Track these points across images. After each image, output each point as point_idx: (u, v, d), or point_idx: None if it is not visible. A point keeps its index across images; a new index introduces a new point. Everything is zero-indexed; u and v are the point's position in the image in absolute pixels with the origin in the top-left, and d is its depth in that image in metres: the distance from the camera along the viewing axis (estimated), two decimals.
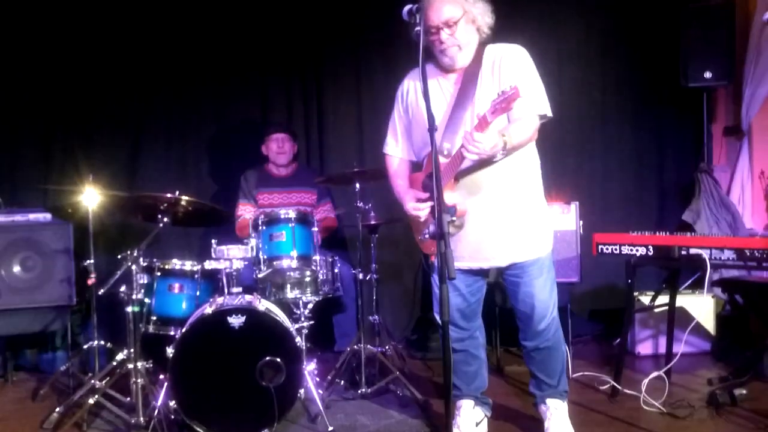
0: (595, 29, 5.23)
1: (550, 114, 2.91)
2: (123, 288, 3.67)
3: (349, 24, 5.16)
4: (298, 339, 3.51)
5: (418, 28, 2.45)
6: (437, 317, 3.04)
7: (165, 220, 3.75)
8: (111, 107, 5.01)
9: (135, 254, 3.60)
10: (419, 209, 2.93)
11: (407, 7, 2.52)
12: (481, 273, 3.10)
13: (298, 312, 3.91)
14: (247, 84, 5.18)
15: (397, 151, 3.17)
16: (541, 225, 3.04)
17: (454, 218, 2.48)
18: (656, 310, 4.25)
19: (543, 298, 3.02)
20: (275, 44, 5.14)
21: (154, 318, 3.80)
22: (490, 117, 2.53)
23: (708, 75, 4.90)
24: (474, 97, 2.84)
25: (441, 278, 2.12)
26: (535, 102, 2.85)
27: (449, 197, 2.74)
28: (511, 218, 2.94)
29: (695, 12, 4.93)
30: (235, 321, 3.38)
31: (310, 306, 3.96)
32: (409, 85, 3.06)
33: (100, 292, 3.66)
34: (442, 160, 2.76)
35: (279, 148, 4.68)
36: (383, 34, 4.95)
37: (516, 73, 2.83)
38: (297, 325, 3.80)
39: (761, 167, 5.06)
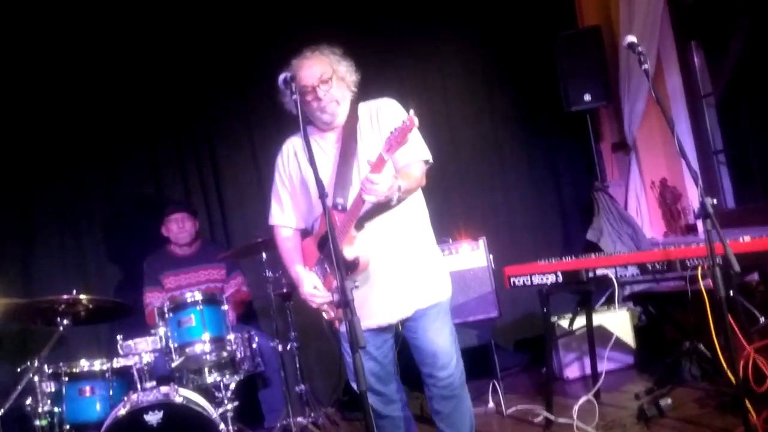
0: (478, 64, 5.38)
1: (431, 159, 2.92)
2: (29, 401, 3.46)
3: (238, 90, 5.11)
4: (222, 427, 3.37)
5: (295, 96, 2.48)
6: (354, 386, 2.89)
7: (65, 322, 3.57)
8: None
9: (36, 364, 3.40)
10: (316, 297, 2.86)
11: (283, 76, 2.56)
12: (389, 330, 2.97)
13: (221, 395, 3.77)
14: (139, 159, 5.01)
15: (284, 220, 3.06)
16: (438, 269, 2.99)
17: (356, 284, 2.39)
18: (576, 333, 4.32)
19: (443, 342, 2.90)
20: (163, 114, 5.01)
21: (68, 427, 3.57)
22: (386, 155, 2.52)
23: (587, 97, 5.11)
24: (357, 150, 2.85)
25: (352, 348, 2.07)
26: (417, 149, 2.86)
27: (349, 251, 2.70)
28: (412, 265, 2.88)
29: (566, 39, 5.16)
30: (153, 418, 3.24)
31: (232, 386, 3.83)
32: (289, 151, 3.02)
33: (0, 412, 3.41)
34: (337, 216, 2.74)
35: (179, 228, 4.54)
36: (273, 95, 4.90)
37: (394, 122, 2.76)
38: (221, 410, 3.66)
39: (651, 177, 5.27)
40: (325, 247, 2.75)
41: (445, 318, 2.95)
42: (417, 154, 2.86)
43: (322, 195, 2.37)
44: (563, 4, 5.46)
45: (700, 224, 3.91)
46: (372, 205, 2.71)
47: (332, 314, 2.88)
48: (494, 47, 5.40)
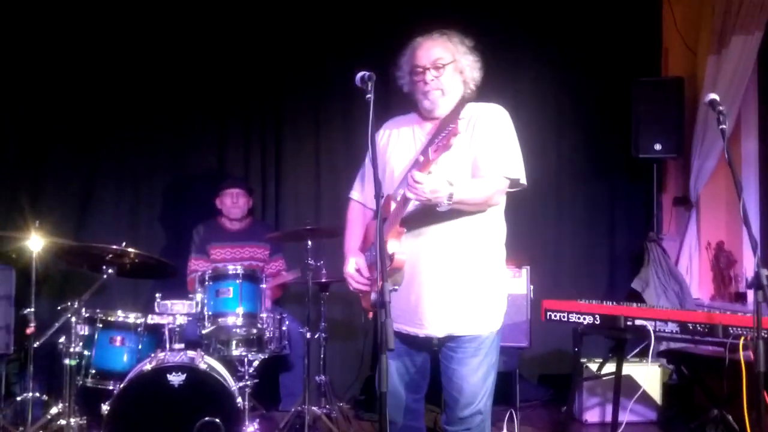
0: (551, 98, 5.35)
1: (522, 180, 2.71)
2: (62, 339, 3.58)
3: (312, 78, 5.20)
4: (239, 400, 3.43)
5: (369, 96, 2.39)
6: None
7: (110, 271, 3.68)
8: (61, 152, 4.96)
9: (75, 306, 3.52)
10: (354, 280, 2.74)
11: (360, 74, 2.45)
12: (420, 342, 2.74)
13: (243, 370, 3.83)
14: (205, 133, 5.17)
15: (361, 196, 2.93)
16: (489, 299, 2.71)
17: (395, 287, 2.34)
18: (603, 378, 4.26)
19: (474, 381, 2.67)
20: (236, 94, 5.16)
21: (93, 371, 3.69)
22: (432, 154, 2.36)
23: (658, 147, 5.03)
24: None
25: (380, 348, 2.09)
26: (502, 163, 2.64)
27: (392, 245, 2.55)
28: (455, 283, 2.64)
29: (646, 86, 5.10)
30: (175, 379, 3.31)
31: (256, 364, 3.88)
32: (385, 133, 2.88)
33: (36, 344, 3.54)
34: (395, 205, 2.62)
35: (233, 203, 4.64)
36: (345, 91, 4.98)
37: (489, 131, 2.67)
38: (240, 384, 3.72)
39: (708, 238, 5.17)
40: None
41: (486, 357, 2.69)
42: (499, 168, 2.64)
43: (377, 195, 2.32)
44: (649, 50, 5.38)
45: (750, 294, 3.83)
46: (418, 206, 2.56)
47: (366, 303, 2.77)
48: (572, 81, 5.36)
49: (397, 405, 2.80)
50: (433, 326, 2.65)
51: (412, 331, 2.70)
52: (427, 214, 2.59)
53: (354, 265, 2.75)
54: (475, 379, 2.67)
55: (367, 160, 2.88)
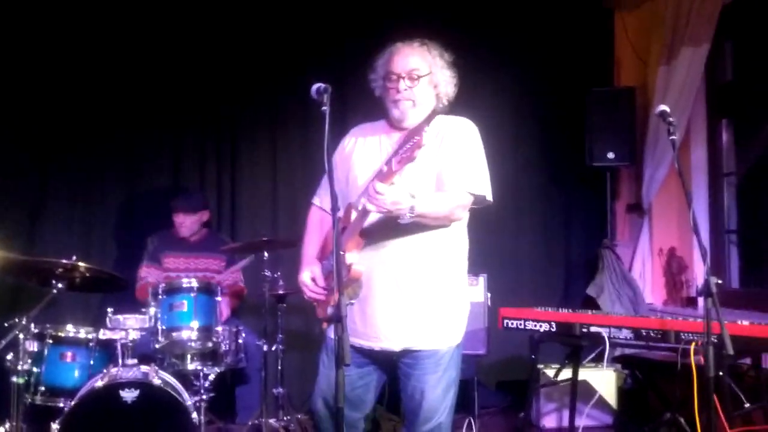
0: (507, 108, 5.37)
1: (488, 197, 2.70)
2: (10, 356, 3.47)
3: (267, 90, 5.15)
4: (194, 415, 3.37)
5: (324, 108, 2.33)
6: (317, 399, 2.72)
7: (60, 285, 3.59)
8: (9, 164, 4.80)
9: (24, 322, 3.42)
10: (308, 289, 2.69)
11: (315, 86, 2.40)
12: (377, 357, 2.68)
13: (198, 384, 3.77)
14: (159, 145, 5.06)
15: (323, 203, 2.84)
16: (448, 314, 2.66)
17: (352, 301, 2.29)
18: (560, 384, 4.30)
19: (433, 397, 2.62)
20: (190, 105, 5.06)
21: (43, 389, 3.58)
22: (395, 165, 2.32)
23: (611, 155, 5.12)
24: None
25: (337, 363, 2.07)
26: (467, 179, 2.60)
27: (351, 256, 2.51)
28: (413, 297, 2.59)
29: (599, 95, 5.18)
30: (128, 395, 3.24)
31: (212, 377, 3.83)
32: (351, 141, 2.82)
33: None
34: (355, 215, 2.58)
35: (179, 224, 4.56)
36: (302, 104, 4.94)
37: (456, 145, 2.63)
38: (196, 398, 3.66)
39: (660, 244, 5.27)
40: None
41: (445, 372, 2.64)
42: (464, 183, 2.59)
43: (334, 208, 2.27)
44: (602, 61, 5.49)
45: (701, 300, 3.91)
46: (380, 217, 2.49)
47: (321, 313, 2.72)
48: (527, 92, 5.42)
49: (335, 421, 2.60)
50: (389, 340, 2.58)
51: (367, 345, 2.63)
52: (388, 226, 2.53)
53: (309, 274, 2.69)
54: (435, 395, 2.62)
55: (331, 171, 2.73)
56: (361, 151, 2.76)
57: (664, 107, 3.00)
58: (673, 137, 2.94)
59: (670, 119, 2.95)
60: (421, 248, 2.59)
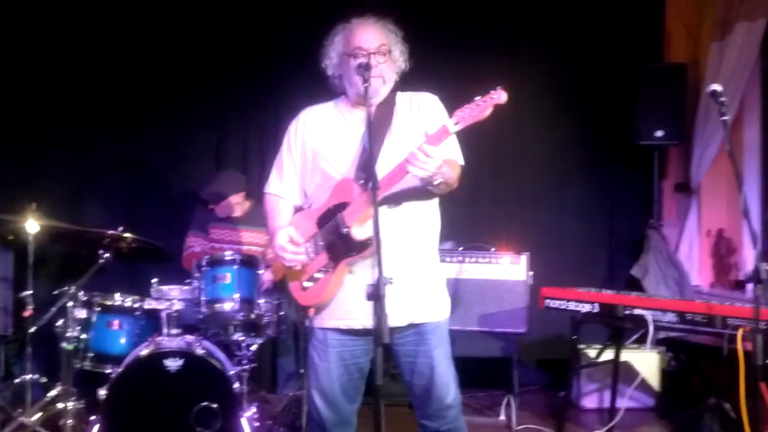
0: (553, 83, 5.29)
1: (463, 164, 2.67)
2: (59, 323, 3.58)
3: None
4: (236, 385, 3.43)
5: (366, 84, 2.38)
6: (314, 394, 2.63)
7: (107, 255, 3.67)
8: (56, 133, 4.91)
9: (72, 290, 3.51)
10: (287, 251, 2.57)
11: (358, 61, 2.48)
12: (369, 336, 2.36)
13: (241, 354, 3.83)
14: (203, 114, 5.11)
15: (280, 190, 2.78)
16: (442, 285, 2.72)
17: (391, 280, 2.12)
18: (601, 364, 4.26)
19: (443, 371, 2.61)
20: (235, 74, 5.10)
21: (91, 354, 3.68)
22: (452, 127, 2.28)
23: (659, 134, 5.00)
24: (390, 130, 2.59)
25: (375, 342, 2.07)
26: (456, 150, 2.63)
27: (361, 231, 2.46)
28: (418, 271, 2.59)
29: (649, 72, 5.05)
30: (172, 364, 3.31)
31: (254, 348, 3.89)
32: (308, 120, 2.75)
33: (32, 329, 3.54)
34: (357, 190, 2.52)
35: (234, 204, 4.55)
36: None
37: (439, 117, 2.59)
38: (238, 368, 3.72)
39: (708, 226, 5.15)
40: (327, 224, 2.56)
41: (447, 343, 2.67)
42: (455, 154, 2.61)
43: (374, 185, 2.24)
44: (652, 36, 5.34)
45: (750, 284, 3.82)
46: (406, 186, 2.47)
47: (301, 297, 2.63)
48: (573, 66, 5.30)
49: (336, 416, 2.64)
50: (393, 315, 2.25)
51: (360, 325, 2.52)
52: (408, 196, 2.54)
53: (285, 236, 2.59)
54: (444, 368, 2.62)
55: (284, 150, 2.79)
56: (326, 132, 2.70)
57: (715, 86, 2.89)
58: (725, 117, 2.84)
59: (722, 99, 2.86)
60: (417, 220, 2.61)
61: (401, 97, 2.69)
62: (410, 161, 2.33)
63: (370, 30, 2.61)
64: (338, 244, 2.54)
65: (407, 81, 2.74)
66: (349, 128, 2.66)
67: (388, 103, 2.64)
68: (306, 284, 2.62)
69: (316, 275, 2.59)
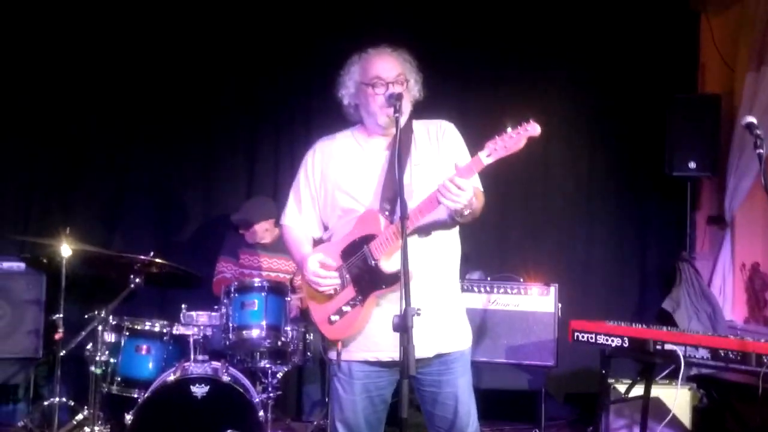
0: (585, 112, 5.28)
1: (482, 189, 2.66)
2: (89, 346, 3.62)
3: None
4: (261, 413, 3.43)
5: (397, 114, 2.40)
6: (338, 426, 2.61)
7: (137, 280, 3.72)
8: (92, 159, 4.99)
9: (103, 314, 3.56)
10: (320, 277, 2.53)
11: (389, 92, 2.50)
12: (395, 369, 2.36)
13: (267, 381, 3.84)
14: (235, 143, 5.18)
15: (299, 221, 2.76)
16: (464, 313, 2.72)
17: (419, 310, 2.12)
18: (631, 400, 4.18)
19: (466, 400, 2.61)
20: (267, 106, 5.16)
21: (119, 379, 3.74)
22: (485, 159, 2.28)
23: (692, 165, 4.93)
24: (410, 160, 2.57)
25: (402, 374, 2.06)
26: (477, 179, 2.58)
27: (390, 264, 2.44)
28: (443, 301, 2.60)
29: (682, 103, 5.00)
30: (198, 390, 3.33)
31: (279, 375, 3.89)
32: (325, 150, 2.74)
33: (62, 353, 3.59)
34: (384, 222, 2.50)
35: (264, 231, 4.59)
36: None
37: (459, 146, 2.64)
38: (264, 395, 3.73)
39: (743, 259, 5.05)
40: (353, 257, 2.53)
41: (469, 373, 2.67)
42: (477, 183, 2.58)
43: (403, 216, 2.23)
44: (686, 66, 5.30)
45: None
46: (434, 219, 2.47)
47: (330, 332, 2.59)
48: (606, 96, 5.29)
49: None
50: (421, 346, 2.27)
51: (388, 357, 2.48)
52: (436, 228, 2.54)
53: (316, 262, 2.55)
54: (466, 398, 2.62)
55: (301, 181, 2.76)
56: (345, 162, 2.67)
57: (751, 119, 2.86)
58: (760, 150, 2.80)
59: (758, 132, 2.82)
60: (442, 249, 2.61)
61: (417, 125, 2.69)
62: (442, 193, 2.33)
63: (387, 59, 2.62)
64: (365, 278, 2.51)
65: (437, 111, 2.75)
66: (369, 158, 2.65)
67: (406, 133, 2.62)
68: (333, 317, 2.58)
69: (344, 308, 2.55)
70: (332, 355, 2.60)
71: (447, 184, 2.31)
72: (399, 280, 2.28)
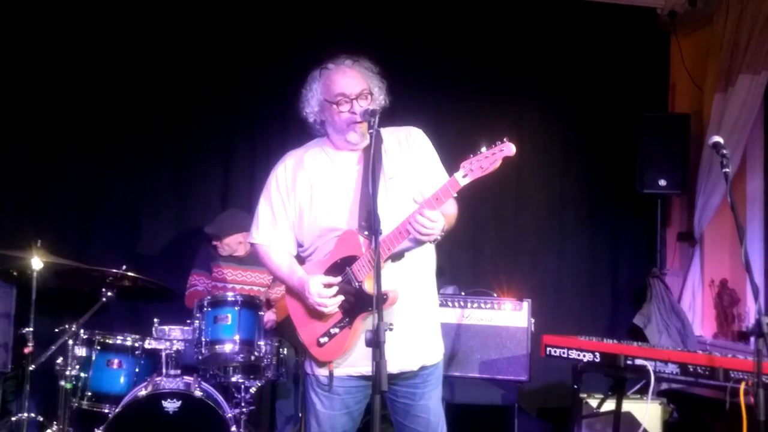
0: (557, 130, 5.36)
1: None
2: (59, 361, 3.58)
3: None
4: (234, 428, 3.41)
5: (371, 131, 2.38)
6: None
7: (109, 293, 3.69)
8: (64, 170, 4.91)
9: (74, 328, 3.52)
10: (326, 298, 2.47)
11: (363, 108, 2.48)
12: (368, 382, 2.39)
13: (239, 396, 3.81)
14: (209, 155, 5.13)
15: (273, 238, 2.66)
16: (438, 327, 2.70)
17: (391, 325, 2.12)
18: (603, 415, 4.21)
19: (437, 411, 2.62)
20: (241, 119, 5.15)
21: (89, 393, 3.69)
22: (461, 180, 2.26)
23: (662, 182, 5.03)
24: (383, 174, 2.52)
25: (373, 389, 2.07)
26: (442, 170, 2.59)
27: (369, 286, 2.39)
28: (424, 315, 2.60)
29: (652, 122, 5.11)
30: (170, 405, 3.31)
31: (252, 390, 3.87)
32: (297, 165, 2.66)
33: (32, 367, 3.53)
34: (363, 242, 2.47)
35: (237, 244, 4.57)
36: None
37: (428, 154, 2.61)
38: (236, 410, 3.70)
39: (712, 276, 5.14)
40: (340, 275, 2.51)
41: (440, 385, 2.68)
42: (453, 204, 2.54)
43: (375, 229, 2.25)
44: (657, 86, 5.42)
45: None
46: (406, 246, 2.44)
47: (320, 354, 2.56)
48: (579, 114, 5.39)
49: None
50: (407, 360, 2.46)
51: (368, 371, 2.39)
52: (398, 253, 2.50)
53: (318, 283, 2.49)
54: (438, 408, 2.64)
55: (272, 196, 2.67)
56: (317, 178, 2.62)
57: (717, 138, 2.92)
58: (726, 170, 2.86)
59: (724, 151, 2.88)
60: (419, 266, 2.60)
61: (386, 134, 2.62)
62: (415, 228, 2.32)
63: (349, 74, 2.56)
64: (351, 300, 2.49)
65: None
66: (340, 173, 2.60)
67: (376, 142, 2.53)
68: (322, 339, 2.54)
69: (332, 330, 2.52)
70: (317, 371, 2.58)
71: (418, 218, 2.32)
72: (386, 301, 2.33)
